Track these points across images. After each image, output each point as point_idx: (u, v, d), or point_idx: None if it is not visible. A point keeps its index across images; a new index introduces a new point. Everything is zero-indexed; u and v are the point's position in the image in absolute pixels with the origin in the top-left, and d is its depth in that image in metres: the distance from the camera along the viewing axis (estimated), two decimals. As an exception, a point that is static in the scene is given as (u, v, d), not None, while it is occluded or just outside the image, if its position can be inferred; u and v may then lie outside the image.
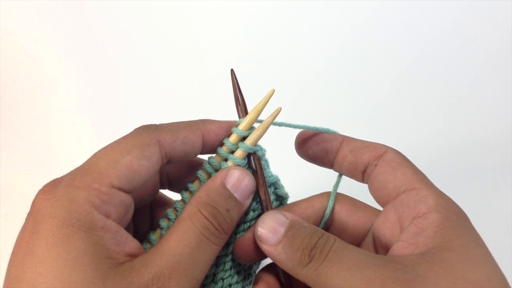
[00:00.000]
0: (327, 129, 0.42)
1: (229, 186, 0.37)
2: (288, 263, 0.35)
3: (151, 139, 0.35)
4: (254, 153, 0.39)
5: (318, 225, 0.40)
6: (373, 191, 0.40)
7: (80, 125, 0.76)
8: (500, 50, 0.80)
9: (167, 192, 0.46)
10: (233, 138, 0.39)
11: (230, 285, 0.41)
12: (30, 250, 0.30)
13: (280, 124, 0.41)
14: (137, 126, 0.38)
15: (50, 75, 0.80)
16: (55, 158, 0.72)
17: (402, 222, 0.37)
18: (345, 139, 0.42)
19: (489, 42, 0.80)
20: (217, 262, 0.40)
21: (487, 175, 0.73)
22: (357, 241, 0.41)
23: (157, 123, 0.38)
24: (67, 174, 0.33)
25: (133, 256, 0.33)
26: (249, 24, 0.84)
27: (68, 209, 0.31)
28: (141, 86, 0.79)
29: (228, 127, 0.39)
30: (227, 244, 0.40)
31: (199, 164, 0.42)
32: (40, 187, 0.33)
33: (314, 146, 0.43)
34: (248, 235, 0.39)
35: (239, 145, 0.39)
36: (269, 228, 0.36)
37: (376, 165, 0.40)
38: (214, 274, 0.40)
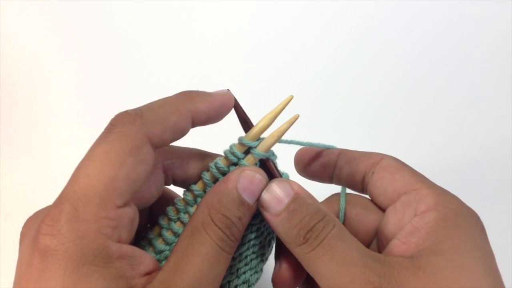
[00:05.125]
0: (326, 145, 0.42)
1: (241, 190, 0.35)
2: (283, 237, 0.35)
3: (140, 138, 0.32)
4: (267, 158, 0.38)
5: None
6: (374, 198, 0.40)
7: (81, 125, 0.76)
8: (500, 50, 0.80)
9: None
10: (240, 147, 0.38)
11: (236, 286, 0.40)
12: None
13: (281, 141, 0.39)
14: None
15: (50, 75, 0.80)
16: (55, 158, 0.72)
17: (403, 224, 0.36)
18: (342, 151, 0.42)
19: (489, 42, 0.80)
20: None
21: (488, 176, 0.73)
22: (369, 241, 0.40)
23: (140, 109, 0.34)
24: (63, 202, 0.30)
25: (149, 273, 0.32)
26: (248, 24, 0.84)
27: (81, 247, 0.29)
28: (142, 86, 0.79)
29: (220, 105, 0.37)
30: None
31: (205, 156, 0.41)
32: (40, 187, 0.32)
33: (312, 163, 0.43)
34: (284, 265, 0.38)
35: (251, 151, 0.37)
36: (273, 197, 0.35)
37: (373, 172, 0.39)
38: None
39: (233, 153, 0.37)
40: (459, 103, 0.77)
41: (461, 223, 0.33)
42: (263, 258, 0.43)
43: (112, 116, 0.34)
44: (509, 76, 0.78)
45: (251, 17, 0.84)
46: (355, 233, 0.39)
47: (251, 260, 0.41)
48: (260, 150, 0.37)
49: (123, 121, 0.32)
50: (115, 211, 0.30)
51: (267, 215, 0.36)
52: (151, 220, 0.43)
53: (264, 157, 0.38)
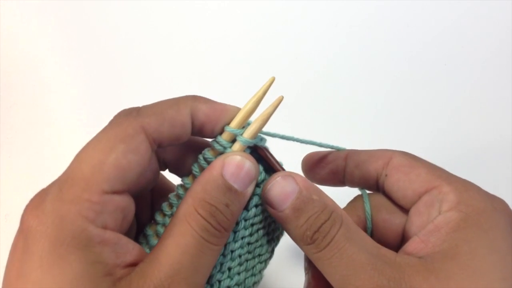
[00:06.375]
0: (330, 145, 0.40)
1: (227, 176, 0.33)
2: (290, 234, 0.34)
3: (133, 128, 0.32)
4: (257, 146, 0.37)
5: None
6: (395, 201, 0.39)
7: (81, 125, 0.76)
8: (501, 50, 0.80)
9: (168, 176, 0.43)
10: (226, 135, 0.36)
11: (228, 287, 0.37)
12: (23, 273, 0.28)
13: (274, 135, 0.38)
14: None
15: (50, 75, 0.80)
16: (55, 158, 0.72)
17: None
18: (348, 154, 0.41)
19: (489, 42, 0.80)
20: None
21: (487, 176, 0.73)
22: (398, 243, 0.39)
23: (139, 106, 0.34)
24: (53, 184, 0.31)
25: (135, 264, 0.31)
26: (249, 24, 0.84)
27: (60, 227, 0.28)
28: (142, 85, 0.79)
29: (221, 111, 0.36)
30: (224, 244, 0.36)
31: (195, 143, 0.39)
32: (40, 187, 0.32)
33: (320, 170, 0.42)
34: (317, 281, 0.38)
35: (237, 138, 0.36)
36: (278, 193, 0.34)
37: (386, 175, 0.38)
38: (210, 276, 0.36)
39: (218, 142, 0.36)
40: (459, 103, 0.77)
41: (482, 223, 0.32)
42: (261, 260, 0.40)
43: (112, 116, 0.35)
44: (510, 76, 0.78)
45: (251, 17, 0.84)
46: (383, 238, 0.38)
47: (246, 260, 0.38)
48: (246, 137, 0.35)
49: (121, 114, 0.34)
50: (100, 195, 0.30)
51: (272, 211, 0.35)
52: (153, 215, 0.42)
53: (251, 144, 0.36)
